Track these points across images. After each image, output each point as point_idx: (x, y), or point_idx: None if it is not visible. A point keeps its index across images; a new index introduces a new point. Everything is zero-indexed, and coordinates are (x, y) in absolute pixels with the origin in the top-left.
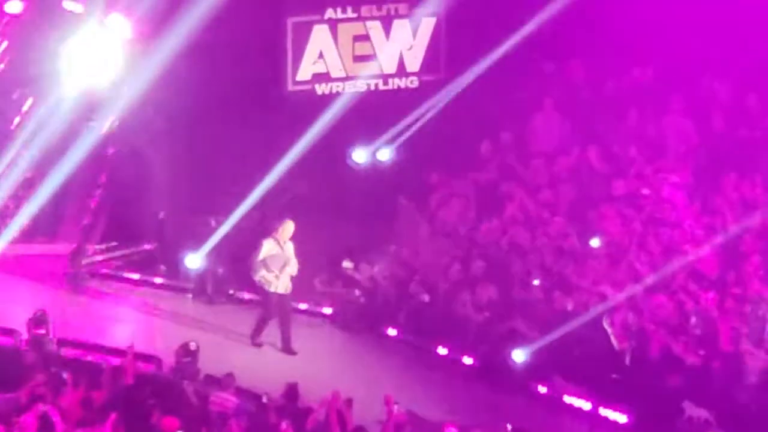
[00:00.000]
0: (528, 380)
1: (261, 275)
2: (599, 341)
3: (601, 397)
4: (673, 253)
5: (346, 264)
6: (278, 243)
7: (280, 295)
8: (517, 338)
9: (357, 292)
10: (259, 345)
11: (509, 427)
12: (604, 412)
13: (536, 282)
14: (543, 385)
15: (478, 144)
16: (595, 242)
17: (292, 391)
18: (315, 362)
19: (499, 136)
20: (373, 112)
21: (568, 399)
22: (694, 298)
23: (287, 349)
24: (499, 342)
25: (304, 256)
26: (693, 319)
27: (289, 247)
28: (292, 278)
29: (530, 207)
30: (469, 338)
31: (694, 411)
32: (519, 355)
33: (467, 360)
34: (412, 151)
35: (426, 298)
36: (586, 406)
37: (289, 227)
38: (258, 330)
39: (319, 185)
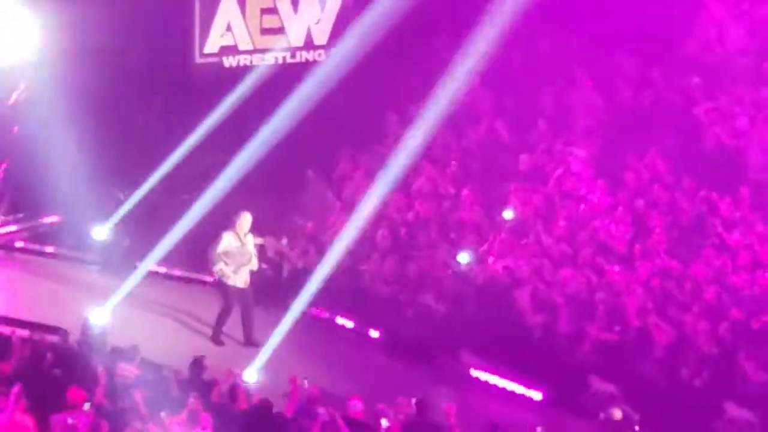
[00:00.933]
0: (436, 354)
1: (219, 268)
2: (508, 315)
3: (509, 372)
4: (581, 227)
5: (258, 240)
6: (238, 237)
7: (241, 289)
8: (425, 311)
9: (264, 266)
10: (220, 343)
11: (414, 400)
12: (512, 386)
13: (464, 257)
14: (450, 359)
15: (385, 117)
16: (508, 214)
17: (198, 364)
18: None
19: (407, 109)
20: (281, 85)
21: (474, 373)
22: (600, 272)
23: (250, 341)
24: (408, 315)
25: (212, 228)
26: (600, 293)
27: (250, 241)
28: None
29: (438, 180)
30: (376, 311)
31: (600, 385)
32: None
33: (374, 333)
34: (319, 124)
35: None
36: (492, 380)
37: (245, 220)
38: (219, 324)
39: (226, 158)
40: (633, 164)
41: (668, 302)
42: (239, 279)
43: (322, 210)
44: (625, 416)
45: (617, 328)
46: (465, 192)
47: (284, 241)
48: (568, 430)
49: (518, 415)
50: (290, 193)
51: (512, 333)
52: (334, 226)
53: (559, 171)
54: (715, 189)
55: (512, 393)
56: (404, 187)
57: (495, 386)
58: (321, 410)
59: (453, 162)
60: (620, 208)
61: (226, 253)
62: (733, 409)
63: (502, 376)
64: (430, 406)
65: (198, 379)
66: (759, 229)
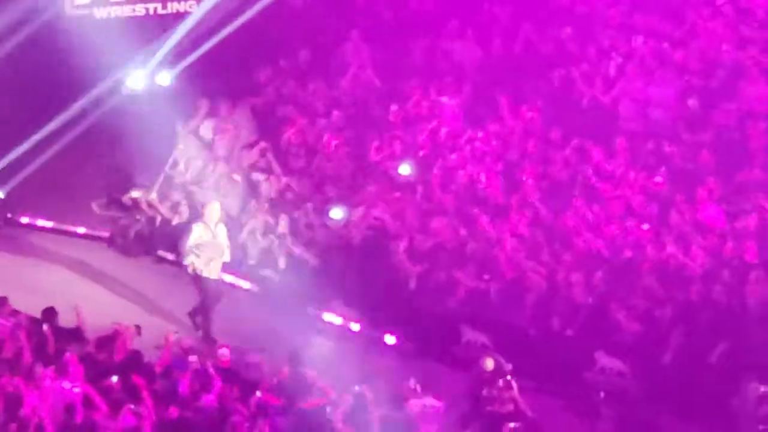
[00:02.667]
0: (307, 305)
1: (190, 261)
2: (381, 266)
3: (381, 322)
4: (453, 177)
5: (135, 194)
6: (209, 228)
7: (213, 281)
8: (298, 263)
9: (137, 217)
10: (198, 328)
11: (287, 354)
12: (383, 337)
13: (337, 212)
14: (319, 310)
15: (258, 69)
16: (404, 170)
17: (48, 314)
18: (95, 285)
19: (279, 61)
20: (152, 37)
21: (345, 323)
22: (472, 222)
23: (208, 337)
24: (281, 266)
25: (84, 180)
26: (472, 243)
27: (221, 232)
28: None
29: (308, 131)
30: (250, 263)
31: (471, 335)
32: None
33: (248, 285)
34: (191, 76)
35: None
36: (364, 331)
37: (214, 209)
38: (196, 313)
39: (98, 110)
40: (505, 114)
41: (540, 252)
42: (213, 271)
43: (195, 162)
44: (497, 366)
45: (488, 278)
46: (335, 143)
47: (154, 194)
48: (441, 379)
49: (390, 365)
50: (164, 145)
51: (385, 284)
52: (208, 179)
53: (433, 121)
54: (588, 139)
55: (384, 343)
56: (278, 138)
57: (366, 337)
58: (192, 359)
59: (326, 113)
60: (492, 159)
61: (197, 246)
62: (603, 358)
63: (374, 327)
64: (302, 358)
65: (59, 329)
66: (631, 178)
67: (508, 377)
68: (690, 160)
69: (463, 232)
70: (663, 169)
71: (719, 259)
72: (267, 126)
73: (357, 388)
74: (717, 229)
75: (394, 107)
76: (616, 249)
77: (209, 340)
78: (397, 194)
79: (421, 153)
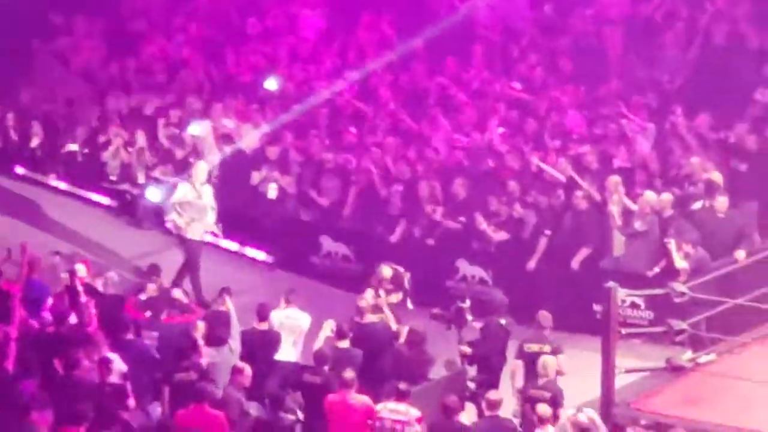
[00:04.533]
0: (167, 219)
1: (172, 218)
2: (240, 179)
3: (239, 236)
4: (311, 91)
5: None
6: (194, 187)
7: (196, 241)
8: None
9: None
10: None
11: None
12: (244, 250)
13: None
14: None
15: None
16: (271, 84)
17: None
18: None
19: None
20: None
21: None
22: (338, 135)
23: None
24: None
25: None
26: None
27: (207, 191)
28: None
29: (167, 47)
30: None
31: (332, 246)
32: (153, 194)
33: (107, 201)
34: None
35: (73, 147)
36: (225, 244)
37: (201, 168)
38: (182, 273)
39: None
40: (363, 27)
41: (400, 162)
42: (196, 231)
43: (51, 80)
44: (395, 273)
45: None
46: (195, 57)
47: (10, 115)
48: (303, 291)
49: (251, 278)
50: (18, 64)
51: (244, 196)
52: (64, 95)
53: (291, 34)
54: (445, 49)
55: (245, 256)
56: (135, 53)
57: (227, 250)
58: (63, 276)
59: (183, 28)
60: (349, 71)
61: (180, 204)
62: (465, 267)
63: (234, 240)
64: (162, 273)
65: None
66: (496, 87)
67: (407, 287)
68: (547, 66)
69: (326, 142)
70: (520, 76)
71: (580, 166)
72: (124, 42)
73: (220, 302)
74: (577, 135)
75: (252, 20)
76: (476, 157)
77: (202, 301)
78: (255, 107)
79: (280, 66)
